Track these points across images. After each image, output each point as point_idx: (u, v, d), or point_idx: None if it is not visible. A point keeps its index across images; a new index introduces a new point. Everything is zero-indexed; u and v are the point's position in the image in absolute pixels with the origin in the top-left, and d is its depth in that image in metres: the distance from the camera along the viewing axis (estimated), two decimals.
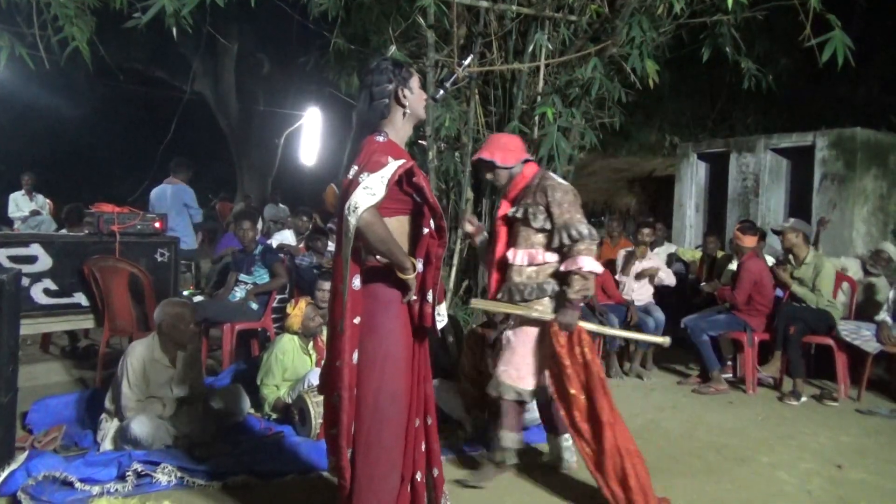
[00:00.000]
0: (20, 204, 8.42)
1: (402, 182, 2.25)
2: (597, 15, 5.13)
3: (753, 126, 10.47)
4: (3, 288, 2.92)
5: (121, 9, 4.67)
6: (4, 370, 2.94)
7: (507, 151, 3.25)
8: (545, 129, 4.91)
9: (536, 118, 5.15)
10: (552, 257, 3.15)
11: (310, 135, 13.57)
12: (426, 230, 2.29)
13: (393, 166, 2.15)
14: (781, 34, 7.83)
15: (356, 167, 2.19)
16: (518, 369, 3.18)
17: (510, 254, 3.21)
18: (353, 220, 2.08)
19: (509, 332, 3.23)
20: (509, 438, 3.19)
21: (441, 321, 2.39)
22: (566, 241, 3.06)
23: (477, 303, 3.53)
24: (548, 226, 3.11)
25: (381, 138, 2.26)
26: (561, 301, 3.10)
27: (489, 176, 3.35)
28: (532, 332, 3.20)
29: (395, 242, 2.19)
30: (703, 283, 5.85)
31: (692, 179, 8.39)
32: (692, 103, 11.68)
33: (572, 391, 3.04)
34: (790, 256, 5.23)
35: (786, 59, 8.81)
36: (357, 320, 2.22)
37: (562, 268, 3.10)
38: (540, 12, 5.07)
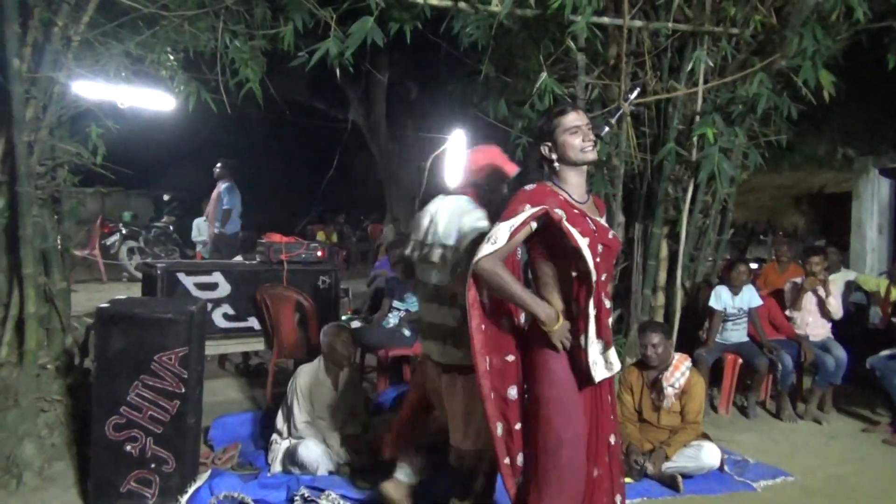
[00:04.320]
0: (202, 229, 9.34)
1: (547, 226, 2.28)
2: (761, 26, 4.78)
3: None
4: (193, 318, 3.21)
5: (288, 48, 5.04)
6: (192, 394, 3.23)
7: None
8: (705, 151, 4.63)
9: (695, 139, 4.88)
10: None
11: (454, 157, 13.88)
12: (574, 274, 2.30)
13: (523, 215, 2.23)
14: None
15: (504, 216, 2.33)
16: None
17: None
18: (471, 266, 2.23)
19: None
20: None
21: (609, 369, 2.31)
22: None
23: None
24: None
25: (530, 186, 2.34)
26: None
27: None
28: None
29: (519, 292, 2.26)
30: (893, 318, 5.20)
31: (873, 197, 7.57)
32: (868, 110, 10.51)
33: None
34: None
35: None
36: (511, 358, 2.37)
37: None
38: (698, 27, 4.82)
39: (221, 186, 8.03)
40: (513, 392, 2.35)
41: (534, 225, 2.26)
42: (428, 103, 14.94)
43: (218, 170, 8.09)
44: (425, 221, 2.82)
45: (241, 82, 5.27)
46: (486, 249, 2.21)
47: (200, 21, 5.27)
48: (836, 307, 5.19)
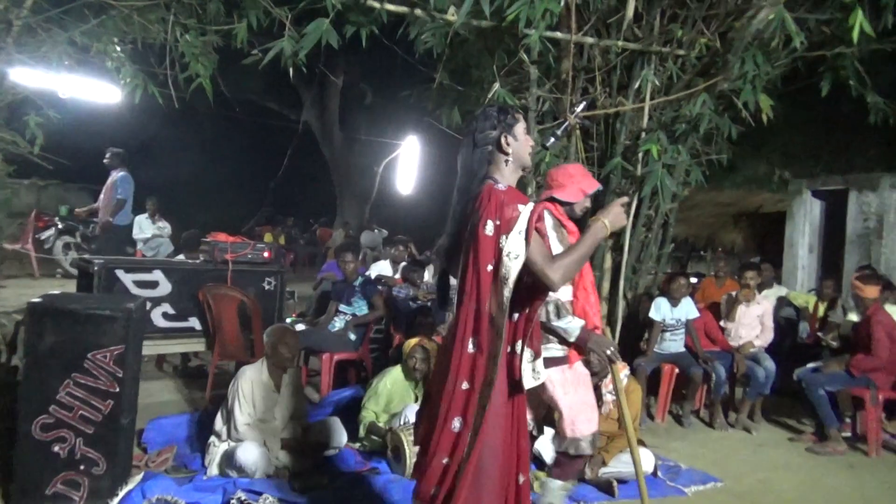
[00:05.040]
0: (143, 227, 9.09)
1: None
2: (706, 49, 4.97)
3: (875, 160, 9.75)
4: (131, 316, 3.12)
5: (241, 46, 4.98)
6: (128, 393, 3.13)
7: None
8: (649, 167, 4.78)
9: (640, 155, 5.02)
10: None
11: (407, 163, 13.90)
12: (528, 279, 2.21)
13: (525, 215, 2.12)
14: None
15: (490, 223, 2.14)
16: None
17: None
18: (556, 288, 2.12)
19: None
20: None
21: (537, 379, 2.27)
22: None
23: None
24: None
25: (501, 186, 2.21)
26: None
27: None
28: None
29: (585, 248, 2.20)
30: (820, 332, 5.46)
31: (805, 218, 7.92)
32: (804, 134, 11.03)
33: None
34: None
35: None
36: (465, 386, 2.17)
37: None
38: (647, 47, 4.97)
39: (116, 175, 7.60)
40: (457, 423, 2.19)
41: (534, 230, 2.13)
42: (382, 108, 14.95)
43: (107, 159, 7.68)
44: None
45: (191, 77, 5.18)
46: (514, 267, 2.09)
47: (150, 12, 5.15)
48: (766, 332, 5.40)
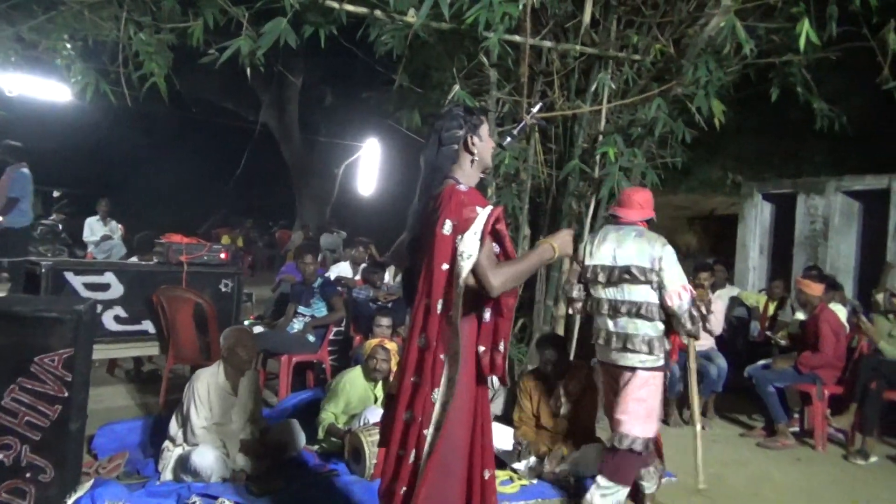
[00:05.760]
0: (94, 229, 8.82)
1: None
2: (661, 55, 5.08)
3: (822, 165, 10.11)
4: (80, 318, 3.03)
5: (197, 45, 4.88)
6: (77, 398, 3.04)
7: (635, 209, 3.44)
8: (607, 169, 4.86)
9: (598, 157, 5.11)
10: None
11: (368, 166, 13.86)
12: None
13: (483, 217, 2.16)
14: (855, 71, 7.59)
15: (449, 222, 2.16)
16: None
17: None
18: (493, 295, 2.14)
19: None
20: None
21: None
22: (668, 301, 3.21)
23: None
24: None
25: (462, 187, 2.25)
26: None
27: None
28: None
29: (528, 264, 2.26)
30: (769, 331, 5.62)
31: (756, 220, 8.15)
32: (756, 140, 11.38)
33: None
34: (891, 315, 4.98)
35: (859, 97, 8.51)
36: (413, 379, 2.18)
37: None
38: (603, 52, 5.06)
39: (12, 172, 6.73)
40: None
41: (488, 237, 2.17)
42: (342, 110, 14.86)
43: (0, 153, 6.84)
44: (608, 248, 3.31)
45: (146, 76, 5.06)
46: (466, 266, 2.11)
47: (102, 9, 5.02)
48: (716, 324, 5.54)
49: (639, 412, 3.21)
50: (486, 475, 2.33)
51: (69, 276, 4.49)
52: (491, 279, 2.12)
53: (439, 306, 2.17)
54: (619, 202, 3.55)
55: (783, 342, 5.49)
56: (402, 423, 2.20)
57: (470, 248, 2.12)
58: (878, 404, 4.71)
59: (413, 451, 2.17)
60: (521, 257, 2.30)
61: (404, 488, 2.17)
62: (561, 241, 2.32)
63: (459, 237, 2.14)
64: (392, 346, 4.16)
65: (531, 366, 4.64)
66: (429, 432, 2.16)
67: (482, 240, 2.13)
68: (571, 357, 4.53)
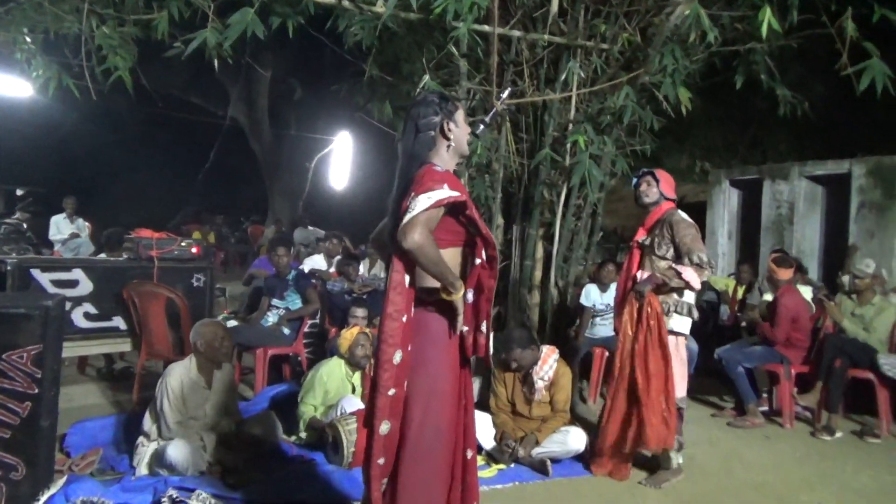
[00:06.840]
0: (61, 227, 8.65)
1: (458, 214, 2.26)
2: (628, 43, 5.15)
3: (786, 152, 10.33)
4: (48, 314, 2.98)
5: (162, 38, 4.81)
6: (47, 395, 2.99)
7: (667, 185, 3.86)
8: (577, 157, 4.91)
9: (568, 146, 5.16)
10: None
11: (340, 159, 13.77)
12: (478, 261, 2.30)
13: (444, 191, 2.16)
14: (816, 59, 7.76)
15: (414, 193, 2.19)
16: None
17: (639, 274, 3.74)
18: (404, 245, 2.10)
19: None
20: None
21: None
22: (687, 263, 3.58)
23: None
24: (669, 255, 3.66)
25: (439, 168, 2.27)
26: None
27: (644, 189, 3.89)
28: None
29: (445, 264, 2.19)
30: (739, 314, 5.75)
31: (724, 206, 8.31)
32: (723, 128, 11.57)
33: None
34: (854, 295, 5.13)
35: (820, 85, 8.71)
36: (400, 355, 2.21)
37: (672, 264, 3.62)
38: (572, 41, 5.11)
39: None
40: (399, 391, 2.24)
41: (441, 210, 2.18)
42: (312, 103, 14.73)
43: None
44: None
45: (110, 71, 4.96)
46: (405, 218, 2.11)
47: (63, 1, 4.91)
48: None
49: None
50: (469, 454, 2.38)
51: (36, 273, 4.41)
52: (414, 232, 2.08)
53: (406, 280, 2.21)
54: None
55: (757, 320, 5.60)
56: (386, 399, 2.22)
57: (417, 206, 2.12)
58: (842, 382, 4.85)
59: (397, 426, 2.22)
60: (441, 259, 2.21)
61: (382, 459, 2.23)
62: (458, 295, 2.24)
63: (413, 195, 2.16)
64: (372, 332, 4.17)
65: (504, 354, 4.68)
66: (414, 405, 2.22)
67: (432, 206, 2.13)
68: (545, 343, 4.57)
